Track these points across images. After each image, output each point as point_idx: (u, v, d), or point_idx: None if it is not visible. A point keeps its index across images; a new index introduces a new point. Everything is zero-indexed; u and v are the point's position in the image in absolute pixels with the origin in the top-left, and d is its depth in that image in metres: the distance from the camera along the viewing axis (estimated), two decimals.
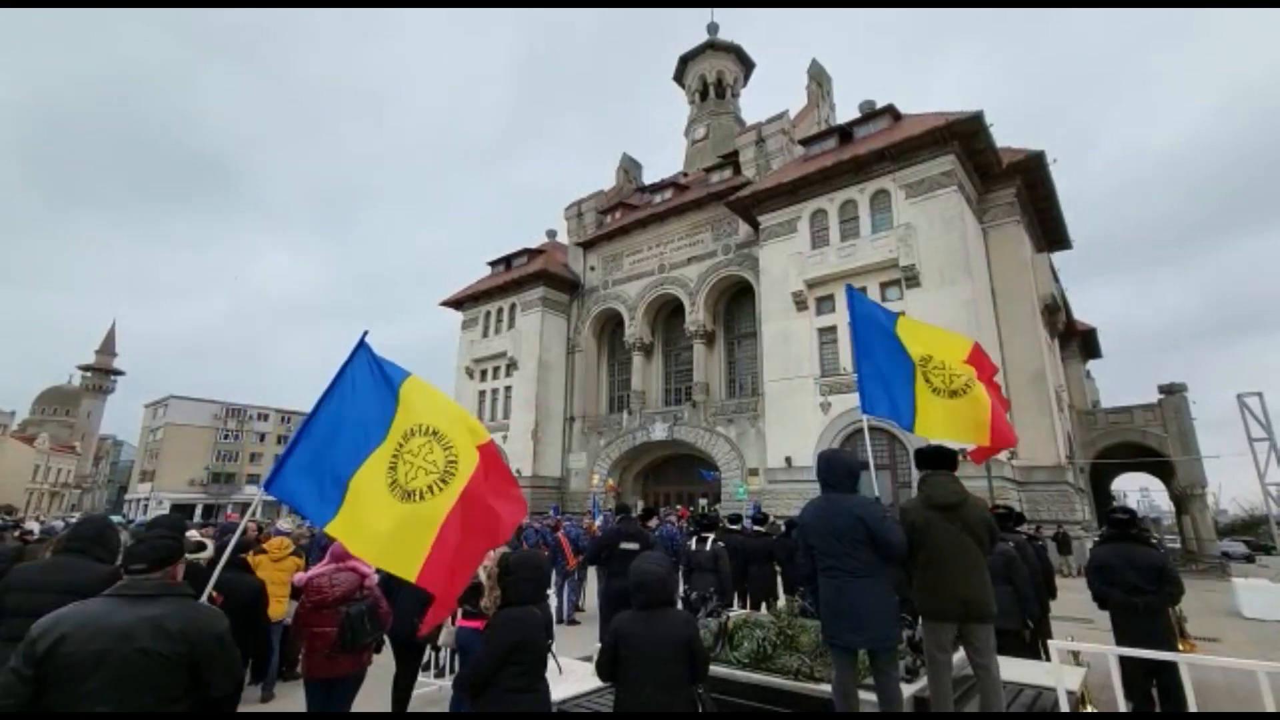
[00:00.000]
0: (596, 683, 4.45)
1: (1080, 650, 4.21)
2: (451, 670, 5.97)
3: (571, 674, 4.82)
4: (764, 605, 7.68)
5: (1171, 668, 3.86)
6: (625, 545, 6.90)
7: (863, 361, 4.85)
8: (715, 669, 3.69)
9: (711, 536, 7.21)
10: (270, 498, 3.28)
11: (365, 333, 3.34)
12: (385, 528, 2.88)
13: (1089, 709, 4.59)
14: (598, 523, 13.16)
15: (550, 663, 3.20)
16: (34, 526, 12.20)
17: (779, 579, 8.33)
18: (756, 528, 8.95)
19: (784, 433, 21.44)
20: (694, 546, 7.18)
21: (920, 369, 4.69)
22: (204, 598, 2.70)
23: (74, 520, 5.50)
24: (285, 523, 10.02)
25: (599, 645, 4.84)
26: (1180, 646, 5.17)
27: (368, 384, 3.25)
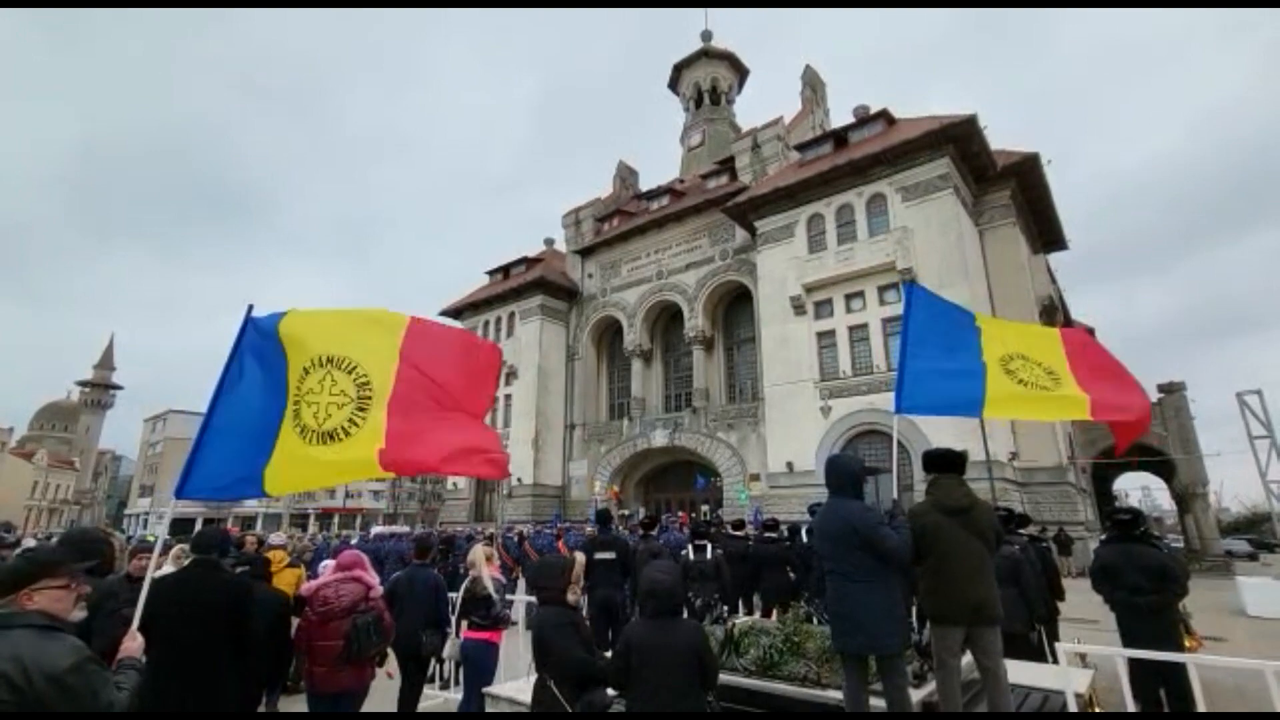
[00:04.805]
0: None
1: (1087, 652, 4.19)
2: (456, 683, 5.92)
3: None
4: (774, 612, 7.64)
5: (1179, 668, 3.85)
6: (600, 555, 6.88)
7: (911, 358, 4.27)
8: (721, 676, 3.67)
9: (709, 545, 7.16)
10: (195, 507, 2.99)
11: (250, 307, 2.96)
12: (326, 459, 2.69)
13: (1097, 711, 4.58)
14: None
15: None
16: (30, 543, 12.19)
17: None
18: (769, 534, 8.89)
19: (785, 437, 21.44)
20: (693, 556, 7.14)
21: (1002, 365, 4.20)
22: (134, 625, 2.37)
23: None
24: (278, 536, 9.97)
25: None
26: (1186, 644, 5.15)
27: (261, 352, 2.90)
